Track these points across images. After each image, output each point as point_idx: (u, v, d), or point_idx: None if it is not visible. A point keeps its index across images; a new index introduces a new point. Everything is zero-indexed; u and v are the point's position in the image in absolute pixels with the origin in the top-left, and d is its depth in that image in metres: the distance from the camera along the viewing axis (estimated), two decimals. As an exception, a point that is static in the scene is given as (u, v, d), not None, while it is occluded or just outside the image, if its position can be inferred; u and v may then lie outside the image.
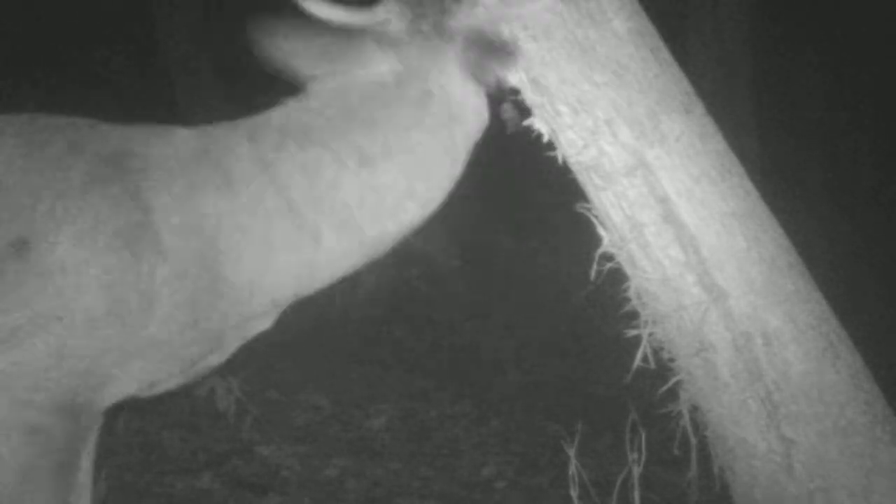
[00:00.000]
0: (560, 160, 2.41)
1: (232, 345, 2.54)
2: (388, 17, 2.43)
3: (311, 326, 5.61)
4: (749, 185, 2.41)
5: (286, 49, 2.41)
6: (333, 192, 2.40)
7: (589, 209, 2.44)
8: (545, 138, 2.40)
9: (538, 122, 2.39)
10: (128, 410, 3.84)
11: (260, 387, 4.92)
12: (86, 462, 2.59)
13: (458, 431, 4.91)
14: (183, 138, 2.44)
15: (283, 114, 2.47)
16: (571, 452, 2.74)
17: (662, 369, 2.50)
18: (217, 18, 8.48)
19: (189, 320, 2.33)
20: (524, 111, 2.43)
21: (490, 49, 2.37)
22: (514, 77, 2.36)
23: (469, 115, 2.41)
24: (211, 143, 2.43)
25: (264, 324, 2.55)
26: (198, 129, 2.48)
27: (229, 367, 4.45)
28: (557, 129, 2.35)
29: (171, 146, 2.42)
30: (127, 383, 2.38)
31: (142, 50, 8.73)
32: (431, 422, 5.01)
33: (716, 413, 2.45)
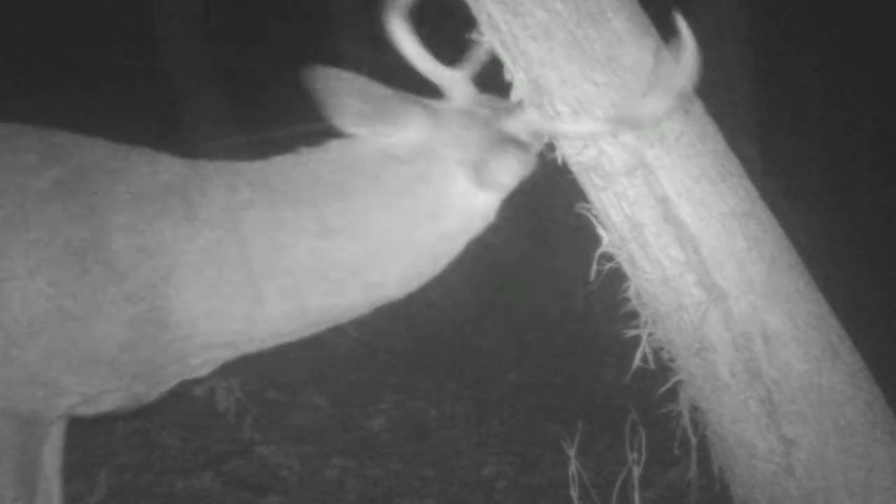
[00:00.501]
0: (560, 160, 2.41)
1: (170, 381, 2.52)
2: (456, 85, 2.37)
3: (311, 326, 5.61)
4: (749, 185, 2.41)
5: (339, 106, 2.31)
6: (284, 255, 2.34)
7: (589, 209, 2.44)
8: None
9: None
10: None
11: (260, 387, 4.92)
12: (51, 465, 2.62)
13: (458, 431, 4.91)
14: (164, 165, 2.41)
15: (273, 167, 2.42)
16: (571, 452, 2.74)
17: (662, 369, 2.50)
18: (217, 18, 8.48)
19: (129, 342, 2.33)
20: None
21: (510, 156, 2.32)
22: (516, 78, 2.36)
23: (451, 216, 2.36)
24: (189, 177, 2.40)
25: (202, 370, 2.54)
26: (184, 161, 2.45)
27: (229, 368, 4.46)
28: (557, 129, 2.35)
29: (149, 169, 2.40)
30: (67, 395, 2.38)
31: (142, 50, 8.73)
32: (431, 422, 5.01)
33: (716, 413, 2.45)
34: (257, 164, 2.44)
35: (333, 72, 2.30)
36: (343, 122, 2.32)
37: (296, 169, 2.39)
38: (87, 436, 4.09)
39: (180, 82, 8.21)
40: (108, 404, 2.50)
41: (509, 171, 2.31)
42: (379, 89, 2.31)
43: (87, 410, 2.51)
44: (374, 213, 2.34)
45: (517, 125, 2.34)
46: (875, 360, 2.55)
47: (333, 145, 2.39)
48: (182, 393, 4.45)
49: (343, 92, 2.29)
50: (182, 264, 2.33)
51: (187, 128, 8.28)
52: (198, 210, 2.35)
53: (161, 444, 4.34)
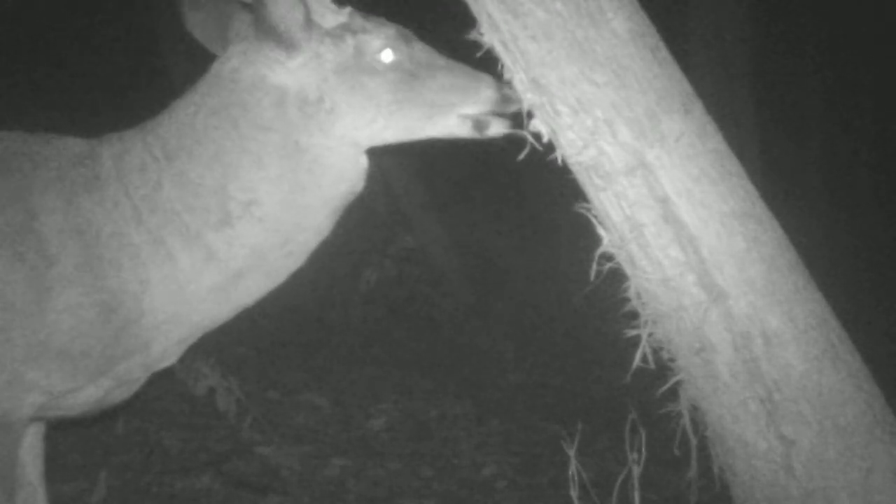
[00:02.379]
0: (560, 160, 2.41)
1: (138, 375, 2.49)
2: (333, 7, 2.39)
3: (311, 326, 5.61)
4: (749, 185, 2.41)
5: (195, 20, 2.39)
6: (158, 192, 2.32)
7: (589, 209, 2.44)
8: (545, 139, 2.40)
9: (538, 123, 2.38)
10: (128, 411, 3.84)
11: (260, 387, 4.92)
12: (34, 471, 2.60)
13: (458, 431, 4.91)
14: (71, 143, 2.42)
15: (144, 145, 2.41)
16: (571, 452, 2.74)
17: (662, 369, 2.49)
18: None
19: (76, 329, 2.30)
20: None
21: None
22: (515, 77, 2.36)
23: (334, 171, 2.36)
24: (92, 149, 2.40)
25: (168, 359, 2.50)
26: (87, 140, 2.45)
27: (230, 368, 4.46)
28: (557, 129, 2.35)
29: (62, 151, 2.39)
30: (32, 391, 2.35)
31: (141, 49, 8.73)
32: (431, 422, 5.02)
33: (716, 413, 2.45)
34: (135, 132, 2.44)
35: None
36: (207, 40, 2.45)
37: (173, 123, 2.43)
38: (88, 436, 4.09)
39: (180, 82, 8.21)
40: (78, 407, 2.48)
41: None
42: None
43: (57, 413, 2.49)
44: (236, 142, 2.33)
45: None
46: (875, 360, 2.56)
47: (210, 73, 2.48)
48: (182, 393, 4.47)
49: (213, 9, 2.39)
50: (105, 237, 2.31)
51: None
52: (98, 178, 2.34)
53: (161, 444, 4.34)
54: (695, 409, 2.51)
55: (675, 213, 2.34)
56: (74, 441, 4.04)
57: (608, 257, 2.45)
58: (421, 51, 2.42)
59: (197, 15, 2.38)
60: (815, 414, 2.38)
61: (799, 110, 9.78)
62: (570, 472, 2.75)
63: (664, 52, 2.36)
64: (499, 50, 2.34)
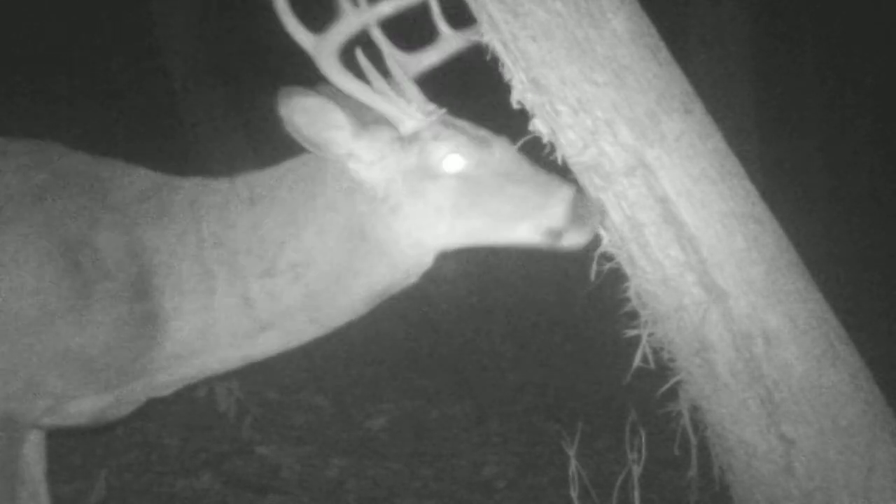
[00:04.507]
0: (560, 160, 2.41)
1: (135, 398, 2.56)
2: (413, 115, 2.40)
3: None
4: (749, 185, 2.41)
5: (296, 121, 2.34)
6: (228, 233, 2.42)
7: (589, 209, 2.44)
8: (545, 139, 2.40)
9: (538, 123, 2.38)
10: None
11: (260, 387, 4.92)
12: (37, 471, 2.65)
13: (458, 431, 4.91)
14: (137, 177, 2.50)
15: (232, 187, 2.49)
16: (571, 452, 2.74)
17: (662, 369, 2.50)
18: (217, 18, 8.48)
19: (111, 341, 2.37)
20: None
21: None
22: (515, 78, 2.36)
23: (397, 259, 2.43)
24: (158, 187, 2.49)
25: (165, 390, 2.60)
26: (154, 173, 2.54)
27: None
28: (557, 129, 2.35)
29: (131, 177, 2.49)
30: (45, 395, 2.41)
31: (142, 50, 8.73)
32: (431, 422, 5.01)
33: (716, 413, 2.45)
34: (223, 179, 2.53)
35: (308, 89, 2.33)
36: (303, 139, 2.36)
37: (261, 180, 2.48)
38: (88, 436, 4.09)
39: (180, 82, 8.22)
40: (73, 416, 2.52)
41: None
42: (342, 118, 2.34)
43: (52, 421, 2.53)
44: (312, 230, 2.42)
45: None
46: (875, 360, 2.56)
47: (303, 159, 2.47)
48: (182, 393, 4.46)
49: (315, 109, 2.32)
50: (157, 263, 2.40)
51: (187, 128, 8.29)
52: (166, 212, 2.43)
53: (161, 444, 4.34)
54: (695, 409, 2.51)
55: (675, 213, 2.34)
56: (74, 441, 4.04)
57: (608, 257, 2.46)
58: (498, 159, 2.41)
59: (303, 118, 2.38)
60: (815, 414, 2.38)
61: (799, 110, 9.78)
62: (570, 472, 2.75)
63: (664, 52, 2.36)
64: (499, 50, 2.34)
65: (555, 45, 2.28)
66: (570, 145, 2.36)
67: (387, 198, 2.40)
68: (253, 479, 4.14)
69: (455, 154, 2.38)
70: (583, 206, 2.35)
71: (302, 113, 2.30)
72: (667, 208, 2.34)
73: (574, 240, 2.39)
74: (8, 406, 2.37)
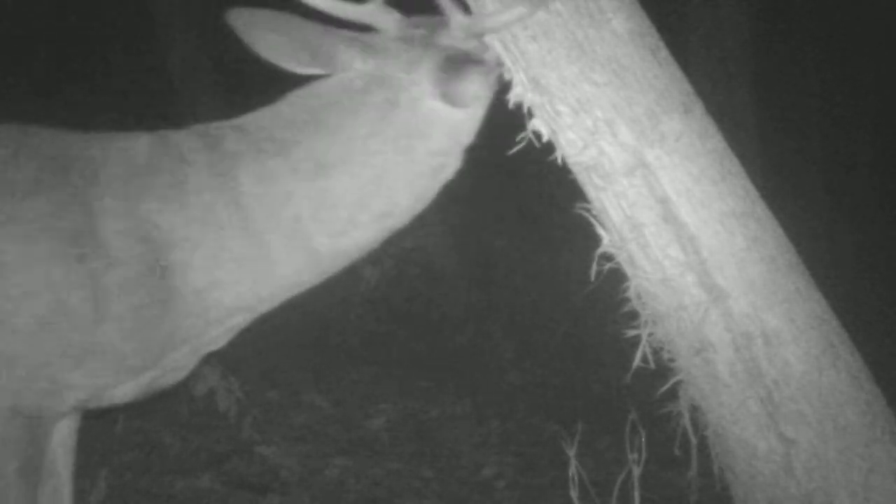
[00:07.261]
0: (560, 160, 2.41)
1: (187, 362, 2.51)
2: (379, 17, 2.41)
3: (311, 326, 5.61)
4: (749, 185, 2.41)
5: (264, 42, 2.37)
6: (286, 204, 2.36)
7: (589, 209, 2.44)
8: (545, 138, 2.40)
9: (538, 123, 2.38)
10: (128, 410, 3.84)
11: (260, 387, 4.92)
12: (64, 464, 2.59)
13: (458, 431, 4.91)
14: (141, 145, 2.40)
15: (249, 121, 2.44)
16: (571, 452, 2.74)
17: (662, 369, 2.50)
18: (217, 18, 8.48)
19: (134, 329, 2.31)
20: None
21: (466, 66, 2.35)
22: (515, 77, 2.36)
23: (436, 132, 2.40)
24: (167, 150, 2.39)
25: (220, 341, 2.53)
26: (158, 135, 2.43)
27: (230, 368, 4.46)
28: (557, 129, 2.35)
29: (127, 153, 2.38)
30: (73, 390, 2.35)
31: (142, 50, 8.73)
32: (431, 422, 5.01)
33: (716, 413, 2.45)
34: (234, 121, 2.46)
35: (259, 12, 2.35)
36: (279, 61, 2.36)
37: (272, 118, 2.43)
38: (88, 436, 4.08)
39: (180, 82, 8.21)
40: (120, 397, 2.48)
41: (471, 83, 2.36)
42: (309, 28, 2.35)
43: (99, 403, 2.48)
44: (358, 142, 2.37)
45: (453, 35, 2.38)
46: (875, 360, 2.55)
47: (297, 92, 2.43)
48: (182, 393, 4.47)
49: (276, 29, 2.34)
50: (178, 240, 2.32)
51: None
52: (184, 180, 2.35)
53: (161, 444, 4.34)
54: (695, 409, 2.51)
55: (675, 213, 2.34)
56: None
57: (608, 257, 2.45)
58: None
59: (263, 36, 2.37)
60: (815, 414, 2.38)
61: (799, 110, 9.77)
62: (570, 472, 2.75)
63: (664, 52, 2.36)
64: (499, 50, 2.34)
65: (555, 45, 2.28)
66: (569, 145, 2.36)
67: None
68: (253, 479, 4.14)
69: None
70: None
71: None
72: (667, 208, 2.34)
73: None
74: (35, 402, 2.32)
